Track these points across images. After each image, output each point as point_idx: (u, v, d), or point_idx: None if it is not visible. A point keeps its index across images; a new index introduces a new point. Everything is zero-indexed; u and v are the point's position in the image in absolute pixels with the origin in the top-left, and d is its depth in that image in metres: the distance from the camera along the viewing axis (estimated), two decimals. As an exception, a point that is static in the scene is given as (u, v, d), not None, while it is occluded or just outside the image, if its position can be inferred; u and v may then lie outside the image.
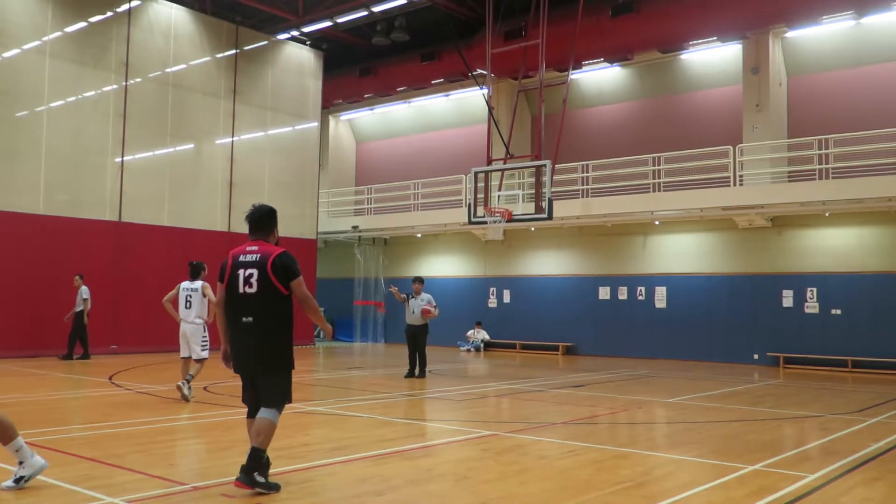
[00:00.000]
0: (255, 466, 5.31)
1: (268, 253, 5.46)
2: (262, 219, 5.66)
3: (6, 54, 17.30)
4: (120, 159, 18.84)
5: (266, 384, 5.50)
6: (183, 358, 10.52)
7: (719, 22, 18.83)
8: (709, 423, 9.23)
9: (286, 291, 5.45)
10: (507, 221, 16.57)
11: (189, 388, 10.17)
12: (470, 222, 17.39)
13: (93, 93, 18.63)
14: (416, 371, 14.20)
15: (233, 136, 21.41)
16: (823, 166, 17.61)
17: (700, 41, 20.08)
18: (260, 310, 5.43)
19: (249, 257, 5.48)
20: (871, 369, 17.25)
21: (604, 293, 21.51)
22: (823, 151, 17.63)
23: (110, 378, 13.25)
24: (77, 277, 16.66)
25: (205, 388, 11.85)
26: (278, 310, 5.46)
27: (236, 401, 10.46)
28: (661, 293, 20.50)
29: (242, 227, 24.47)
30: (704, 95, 21.52)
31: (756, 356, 18.90)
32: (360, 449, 7.06)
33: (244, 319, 5.44)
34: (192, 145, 20.80)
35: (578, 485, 5.85)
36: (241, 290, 5.45)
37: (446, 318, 19.54)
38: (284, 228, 22.94)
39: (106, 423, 8.39)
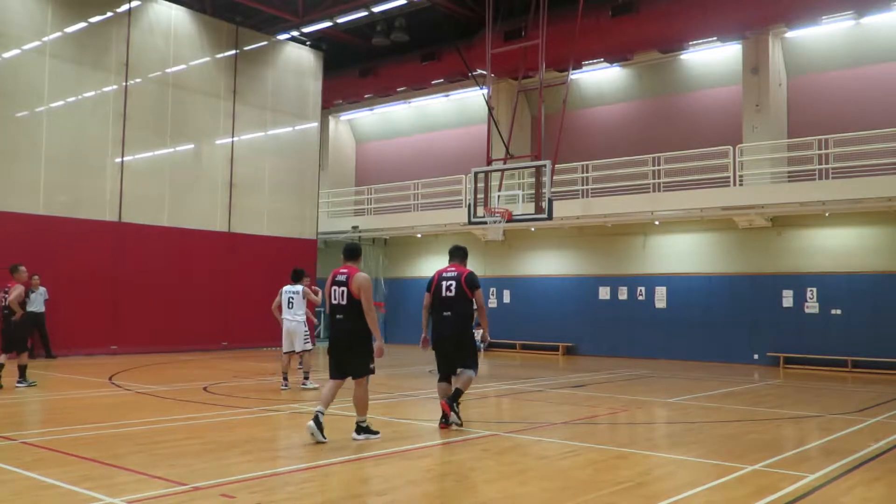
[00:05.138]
0: (457, 397, 8.38)
1: (462, 272, 8.56)
2: (460, 252, 8.93)
3: (6, 54, 17.29)
4: (120, 160, 18.82)
5: (458, 356, 8.47)
6: (286, 353, 12.08)
7: (719, 22, 18.82)
8: (709, 423, 9.24)
9: (471, 296, 8.41)
10: (507, 221, 16.55)
11: (308, 379, 12.03)
12: (470, 222, 17.38)
13: (93, 93, 18.62)
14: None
15: (233, 137, 21.39)
16: (823, 166, 17.61)
17: (700, 41, 20.08)
18: (455, 307, 8.39)
19: (450, 273, 8.56)
20: (871, 369, 17.25)
21: (604, 293, 21.51)
22: (823, 151, 17.62)
23: (110, 378, 13.26)
24: (36, 277, 16.36)
25: (205, 389, 11.86)
26: (466, 308, 8.45)
27: (236, 401, 10.49)
28: (660, 293, 20.50)
29: (243, 228, 24.26)
30: (704, 95, 21.52)
31: (756, 356, 18.89)
32: (360, 449, 7.07)
33: (444, 314, 8.41)
34: (192, 146, 20.78)
35: (578, 485, 5.85)
36: (443, 294, 8.43)
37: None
38: (285, 228, 23.02)
39: (106, 423, 8.39)
